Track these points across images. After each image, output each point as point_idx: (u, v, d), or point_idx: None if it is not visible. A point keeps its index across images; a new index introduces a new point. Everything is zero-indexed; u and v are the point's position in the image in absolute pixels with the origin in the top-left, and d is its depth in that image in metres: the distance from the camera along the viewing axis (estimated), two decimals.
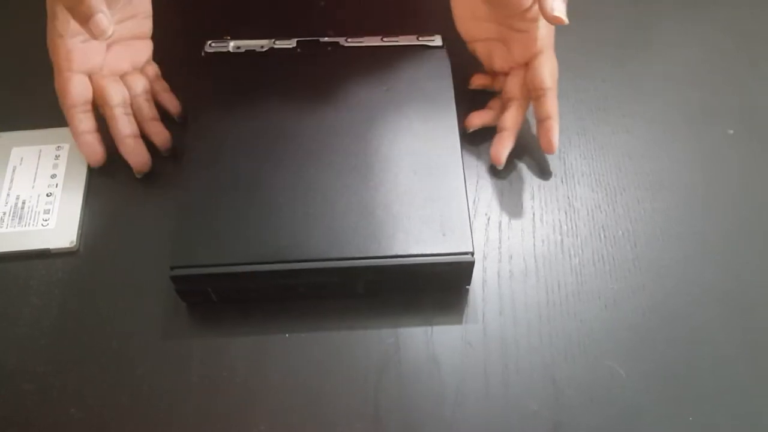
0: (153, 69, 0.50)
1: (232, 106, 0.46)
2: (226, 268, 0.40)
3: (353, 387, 0.40)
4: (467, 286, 0.43)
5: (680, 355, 0.41)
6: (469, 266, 0.41)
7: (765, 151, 0.50)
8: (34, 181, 0.47)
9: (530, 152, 0.49)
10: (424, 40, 0.50)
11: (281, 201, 0.42)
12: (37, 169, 0.48)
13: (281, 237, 0.40)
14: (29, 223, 0.45)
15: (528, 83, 0.46)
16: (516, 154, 0.49)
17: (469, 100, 0.50)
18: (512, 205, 0.47)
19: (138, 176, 0.47)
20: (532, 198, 0.47)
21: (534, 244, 0.45)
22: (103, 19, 0.39)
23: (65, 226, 0.45)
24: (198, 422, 0.39)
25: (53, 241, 0.44)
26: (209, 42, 0.50)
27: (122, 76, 0.47)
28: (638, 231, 0.46)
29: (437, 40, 0.50)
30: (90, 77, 0.46)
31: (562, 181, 0.48)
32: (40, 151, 0.48)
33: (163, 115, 0.49)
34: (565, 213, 0.47)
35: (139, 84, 0.48)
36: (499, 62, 0.48)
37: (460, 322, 0.42)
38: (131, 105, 0.47)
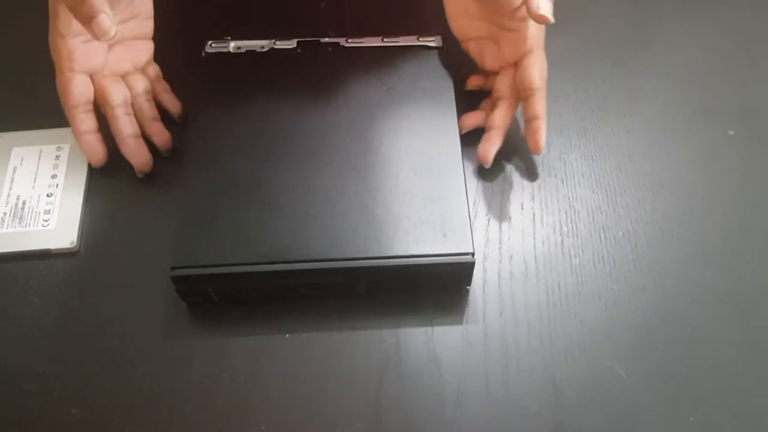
0: (154, 69, 0.50)
1: (233, 106, 0.46)
2: (226, 269, 0.40)
3: (353, 387, 0.40)
4: (468, 287, 0.43)
5: (680, 356, 0.41)
6: (469, 267, 0.41)
7: (765, 151, 0.50)
8: (35, 181, 0.47)
9: (529, 153, 0.49)
10: (425, 41, 0.50)
11: (282, 201, 0.42)
12: (37, 169, 0.48)
13: (281, 237, 0.41)
14: (30, 224, 0.45)
15: (517, 83, 0.46)
16: (516, 154, 0.49)
17: (469, 100, 0.50)
18: (512, 206, 0.47)
19: (139, 176, 0.47)
20: (533, 199, 0.47)
21: (534, 245, 0.45)
22: (106, 19, 0.39)
23: (66, 226, 0.45)
24: (198, 422, 0.39)
25: (54, 241, 0.44)
26: (210, 42, 0.50)
27: (123, 77, 0.47)
28: (638, 231, 0.46)
29: (437, 41, 0.50)
30: (91, 77, 0.46)
31: (562, 182, 0.48)
32: (41, 151, 0.48)
33: (163, 115, 0.49)
34: (566, 214, 0.47)
35: (140, 84, 0.48)
36: (490, 61, 0.48)
37: (460, 322, 0.42)
38: (132, 105, 0.47)
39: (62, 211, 0.46)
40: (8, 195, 0.46)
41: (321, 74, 0.48)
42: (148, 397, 0.40)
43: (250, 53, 0.49)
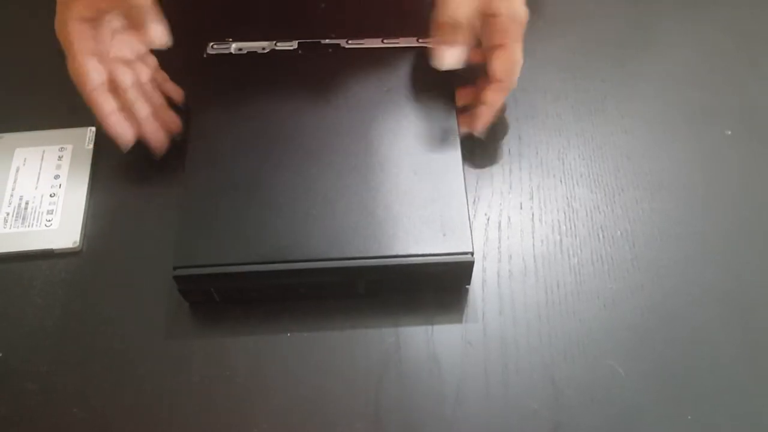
0: (153, 59, 0.50)
1: (234, 107, 0.46)
2: (227, 268, 0.40)
3: (354, 386, 0.40)
4: (467, 286, 0.43)
5: (679, 355, 0.41)
6: (468, 266, 0.41)
7: (764, 151, 0.50)
8: (38, 181, 0.47)
9: (528, 153, 0.49)
10: (425, 42, 0.50)
11: (282, 201, 0.42)
12: (40, 170, 0.48)
13: (282, 237, 0.41)
14: (32, 224, 0.45)
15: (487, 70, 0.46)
16: (515, 154, 0.49)
17: None
18: (512, 206, 0.47)
19: (157, 158, 0.47)
20: (531, 198, 0.48)
21: (533, 244, 0.46)
22: (160, 27, 0.43)
23: (68, 226, 0.45)
24: (199, 422, 0.39)
25: (56, 241, 0.45)
26: (211, 44, 0.50)
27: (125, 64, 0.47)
28: (637, 231, 0.46)
29: None
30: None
31: (561, 182, 0.48)
32: (44, 152, 0.49)
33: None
34: (564, 213, 0.47)
35: (144, 72, 0.47)
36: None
37: (460, 321, 0.43)
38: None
39: (65, 211, 0.46)
40: (11, 195, 0.47)
41: (321, 75, 0.48)
42: (150, 397, 0.40)
43: (251, 54, 0.49)
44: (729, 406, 0.40)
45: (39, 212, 0.46)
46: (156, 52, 0.50)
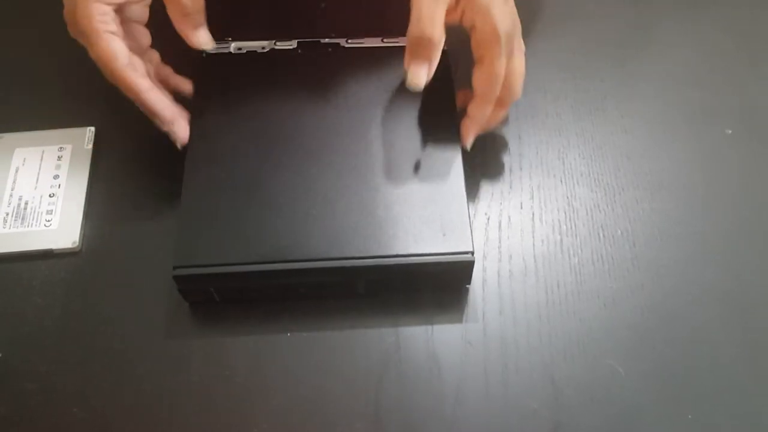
0: (156, 54, 0.49)
1: (234, 106, 0.46)
2: (227, 268, 0.40)
3: (353, 386, 0.40)
4: (467, 286, 0.43)
5: (679, 355, 0.41)
6: (469, 266, 0.41)
7: (764, 151, 0.50)
8: (37, 181, 0.47)
9: (528, 152, 0.49)
10: None
11: (282, 201, 0.42)
12: (39, 169, 0.48)
13: (282, 237, 0.41)
14: (32, 224, 0.45)
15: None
16: (514, 154, 0.49)
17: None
18: (512, 205, 0.47)
19: (180, 148, 0.45)
20: (532, 198, 0.48)
21: (533, 244, 0.46)
22: (206, 32, 0.45)
23: (68, 226, 0.45)
24: (199, 421, 0.39)
25: (56, 241, 0.45)
26: None
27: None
28: (637, 231, 0.46)
29: None
30: None
31: (561, 181, 0.48)
32: (43, 152, 0.49)
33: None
34: (565, 213, 0.47)
35: (150, 67, 0.47)
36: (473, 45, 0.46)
37: (460, 321, 0.43)
38: None
39: (64, 211, 0.46)
40: (11, 195, 0.47)
41: (321, 75, 0.48)
42: (150, 397, 0.40)
43: (251, 54, 0.49)
44: (729, 406, 0.40)
45: (38, 212, 0.46)
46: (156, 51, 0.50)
